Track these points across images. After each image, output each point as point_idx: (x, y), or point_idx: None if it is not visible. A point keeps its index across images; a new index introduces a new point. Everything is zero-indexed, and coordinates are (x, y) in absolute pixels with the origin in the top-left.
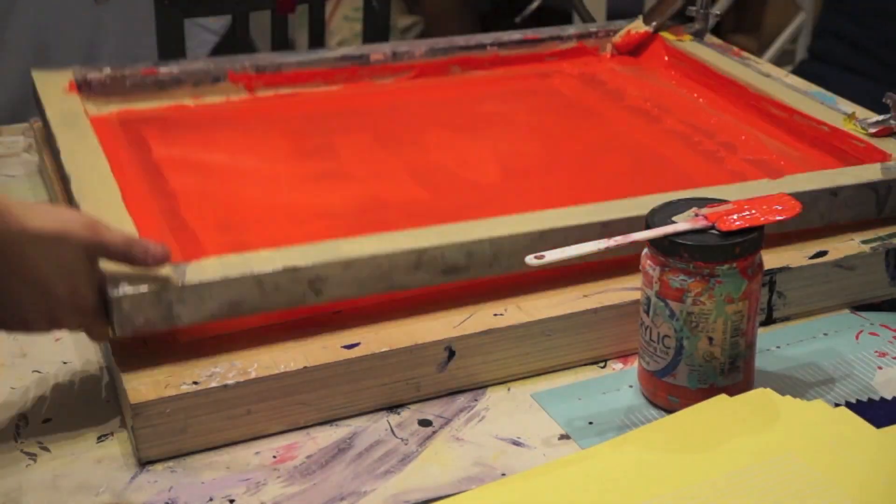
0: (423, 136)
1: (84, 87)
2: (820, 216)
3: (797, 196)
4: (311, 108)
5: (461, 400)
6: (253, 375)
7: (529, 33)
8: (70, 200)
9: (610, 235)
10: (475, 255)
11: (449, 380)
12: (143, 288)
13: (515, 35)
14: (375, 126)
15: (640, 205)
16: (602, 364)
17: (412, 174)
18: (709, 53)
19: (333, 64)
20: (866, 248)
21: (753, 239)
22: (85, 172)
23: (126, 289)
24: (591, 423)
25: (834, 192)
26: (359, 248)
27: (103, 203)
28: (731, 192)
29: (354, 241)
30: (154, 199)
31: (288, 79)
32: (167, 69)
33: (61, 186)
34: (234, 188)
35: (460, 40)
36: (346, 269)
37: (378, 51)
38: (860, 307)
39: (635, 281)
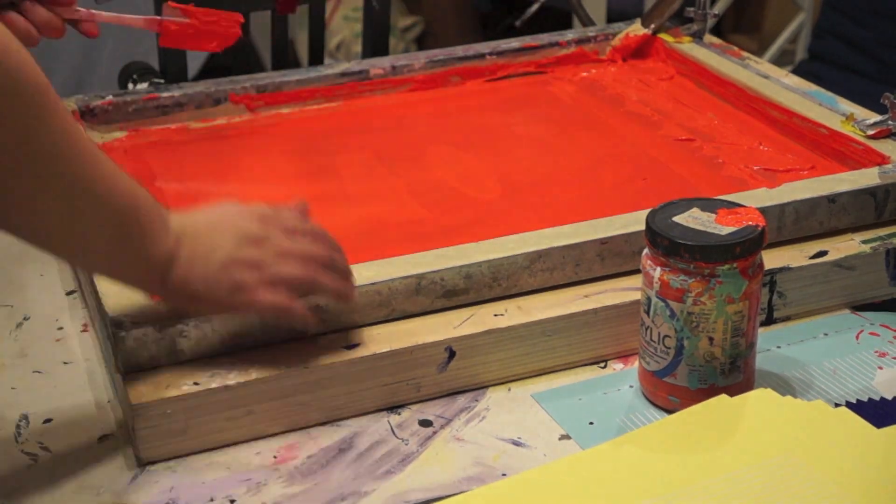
0: (423, 151)
1: (87, 116)
2: (819, 223)
3: (796, 204)
4: (313, 126)
5: (461, 400)
6: (254, 376)
7: (528, 41)
8: None
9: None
10: (474, 277)
11: (449, 380)
12: (147, 325)
13: (514, 43)
14: (376, 143)
15: (638, 220)
16: (602, 364)
17: (413, 192)
18: (708, 55)
19: (334, 80)
20: (866, 247)
21: (754, 239)
22: None
23: (130, 327)
24: (591, 423)
25: (832, 199)
26: (357, 275)
27: None
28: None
29: (352, 267)
30: None
31: (289, 97)
32: (169, 93)
33: None
34: None
35: (459, 50)
36: None
37: (378, 65)
38: (860, 307)
39: (635, 281)
